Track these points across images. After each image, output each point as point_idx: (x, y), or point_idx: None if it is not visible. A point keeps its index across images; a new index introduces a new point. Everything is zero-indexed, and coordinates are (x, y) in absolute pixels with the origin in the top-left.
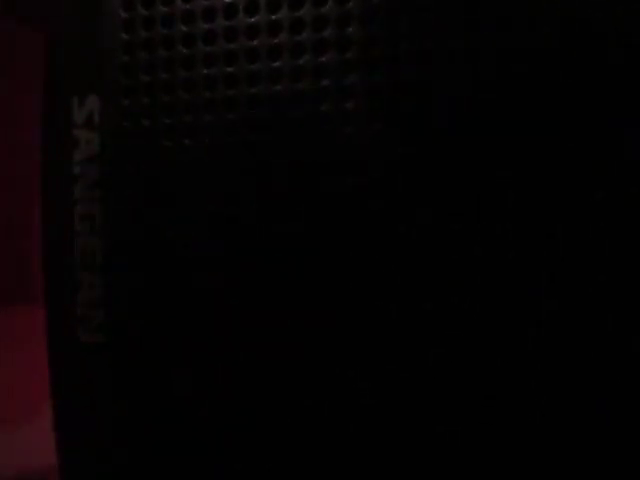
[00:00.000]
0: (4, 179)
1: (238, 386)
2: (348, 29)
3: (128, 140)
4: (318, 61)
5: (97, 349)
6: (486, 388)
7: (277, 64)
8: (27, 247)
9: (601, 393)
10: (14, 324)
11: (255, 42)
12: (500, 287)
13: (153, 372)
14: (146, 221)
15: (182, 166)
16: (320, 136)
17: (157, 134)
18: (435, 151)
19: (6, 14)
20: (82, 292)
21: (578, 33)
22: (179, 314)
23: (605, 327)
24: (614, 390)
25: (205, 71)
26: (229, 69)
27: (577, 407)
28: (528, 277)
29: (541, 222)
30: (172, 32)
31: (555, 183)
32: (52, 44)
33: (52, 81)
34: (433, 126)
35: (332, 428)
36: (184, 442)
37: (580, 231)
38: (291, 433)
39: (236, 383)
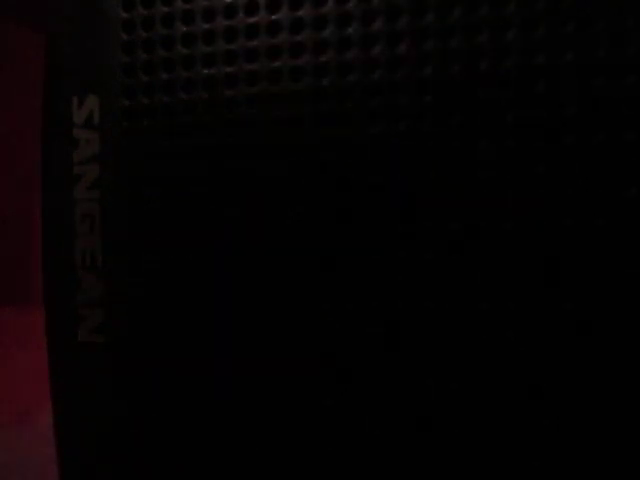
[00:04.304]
0: (4, 179)
1: (238, 387)
2: (348, 29)
3: (128, 140)
4: (318, 61)
5: (97, 349)
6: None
7: (277, 64)
8: (27, 247)
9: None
10: (14, 324)
11: (255, 42)
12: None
13: (153, 372)
14: (146, 221)
15: (182, 166)
16: (320, 136)
17: (157, 134)
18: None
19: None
20: (82, 292)
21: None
22: (179, 314)
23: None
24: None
25: (205, 71)
26: (229, 69)
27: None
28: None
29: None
30: (172, 32)
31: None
32: (52, 44)
33: (52, 81)
34: (431, 126)
35: (332, 428)
36: (184, 442)
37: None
38: (291, 435)
39: (235, 384)
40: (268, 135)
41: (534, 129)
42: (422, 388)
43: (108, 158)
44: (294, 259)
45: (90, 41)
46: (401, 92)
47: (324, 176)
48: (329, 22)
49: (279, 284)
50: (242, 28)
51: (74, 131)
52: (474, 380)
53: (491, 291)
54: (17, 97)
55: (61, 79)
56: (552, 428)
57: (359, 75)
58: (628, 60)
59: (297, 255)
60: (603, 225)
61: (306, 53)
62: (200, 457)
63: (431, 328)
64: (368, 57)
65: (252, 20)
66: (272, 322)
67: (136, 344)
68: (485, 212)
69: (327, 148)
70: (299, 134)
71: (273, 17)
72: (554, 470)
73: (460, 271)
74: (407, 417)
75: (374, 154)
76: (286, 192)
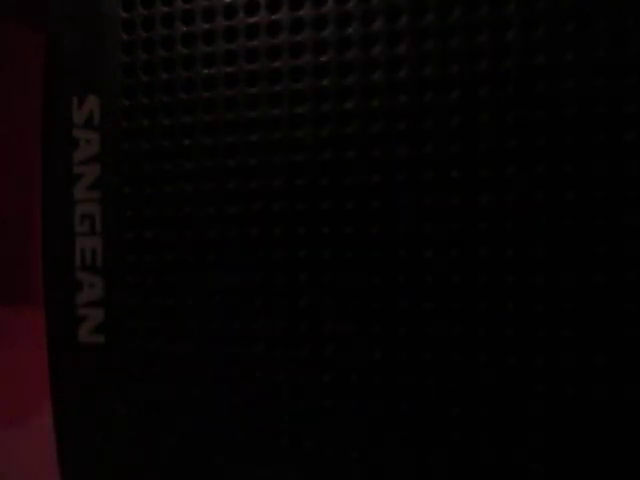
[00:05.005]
0: (4, 179)
1: (238, 387)
2: (348, 29)
3: (128, 140)
4: (318, 61)
5: (97, 349)
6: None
7: (277, 64)
8: (27, 247)
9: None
10: (14, 324)
11: (255, 42)
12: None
13: (153, 372)
14: (146, 221)
15: (182, 166)
16: (320, 136)
17: (157, 134)
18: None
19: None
20: (82, 292)
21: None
22: (179, 314)
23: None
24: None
25: (205, 71)
26: (229, 69)
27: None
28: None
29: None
30: (172, 32)
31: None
32: (52, 44)
33: (52, 81)
34: (429, 125)
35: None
36: (184, 442)
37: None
38: (290, 434)
39: (236, 384)
40: (268, 135)
41: (534, 129)
42: (422, 388)
43: (108, 158)
44: (294, 259)
45: (90, 41)
46: (401, 92)
47: (324, 176)
48: (329, 22)
49: (281, 282)
50: (242, 28)
51: (74, 131)
52: (474, 380)
53: (491, 291)
54: (17, 97)
55: (61, 79)
56: (552, 428)
57: (359, 75)
58: (628, 60)
59: (297, 255)
60: (603, 225)
61: (306, 53)
62: (200, 457)
63: (430, 328)
64: (368, 57)
65: (252, 20)
66: (273, 321)
67: (136, 344)
68: (485, 212)
69: (327, 148)
70: (299, 134)
71: (273, 17)
72: (555, 471)
73: (460, 271)
74: (405, 416)
75: (374, 154)
76: (286, 192)
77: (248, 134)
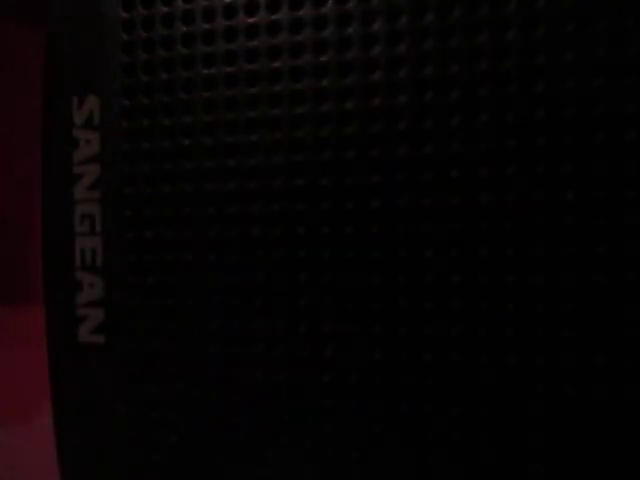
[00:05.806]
0: (4, 179)
1: (237, 387)
2: (348, 29)
3: (128, 140)
4: (318, 61)
5: (97, 349)
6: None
7: (277, 64)
8: (27, 247)
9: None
10: (14, 324)
11: (255, 42)
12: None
13: (153, 372)
14: (146, 221)
15: (182, 166)
16: (319, 136)
17: (157, 134)
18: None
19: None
20: (82, 292)
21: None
22: (179, 314)
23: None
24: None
25: (205, 71)
26: (229, 69)
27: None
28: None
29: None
30: (172, 32)
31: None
32: (52, 44)
33: (52, 81)
34: (430, 126)
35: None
36: (184, 442)
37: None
38: (290, 434)
39: (235, 384)
40: (268, 135)
41: (534, 129)
42: (422, 388)
43: (108, 158)
44: (294, 259)
45: (90, 41)
46: (401, 92)
47: (324, 176)
48: (329, 22)
49: (281, 282)
50: (242, 28)
51: (74, 131)
52: (474, 380)
53: (491, 291)
54: (17, 97)
55: (61, 79)
56: (552, 428)
57: (359, 75)
58: (628, 60)
59: (297, 255)
60: (603, 225)
61: (306, 53)
62: (200, 457)
63: (430, 328)
64: (368, 57)
65: (252, 20)
66: (273, 321)
67: (136, 344)
68: (485, 212)
69: (327, 148)
70: (299, 134)
71: (273, 17)
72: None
73: (460, 271)
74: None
75: (374, 154)
76: (286, 192)
77: (248, 134)
